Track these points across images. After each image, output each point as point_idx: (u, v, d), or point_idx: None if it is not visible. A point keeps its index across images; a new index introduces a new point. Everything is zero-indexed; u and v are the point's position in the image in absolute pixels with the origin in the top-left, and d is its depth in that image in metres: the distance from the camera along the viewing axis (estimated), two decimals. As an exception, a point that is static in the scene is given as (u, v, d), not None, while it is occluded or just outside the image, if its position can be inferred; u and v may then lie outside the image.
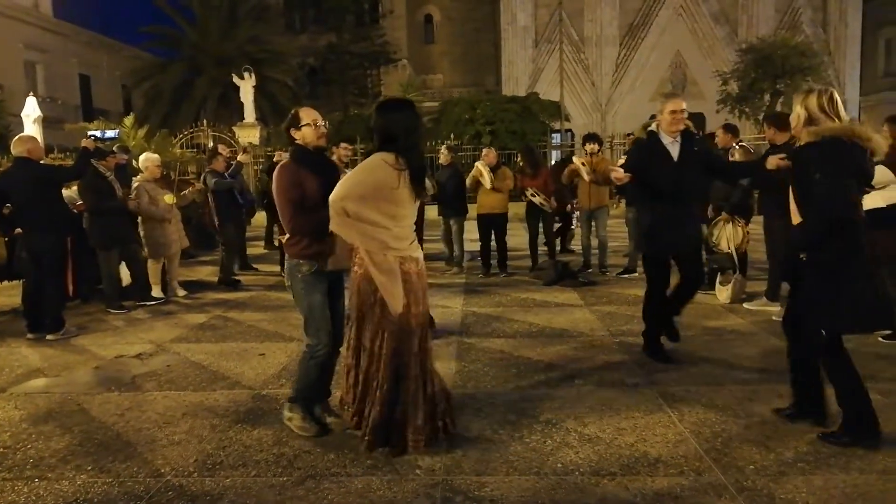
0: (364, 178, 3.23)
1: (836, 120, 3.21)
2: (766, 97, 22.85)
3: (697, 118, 26.61)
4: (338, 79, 31.90)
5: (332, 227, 3.27)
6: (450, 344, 5.39)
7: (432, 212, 9.29)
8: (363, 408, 3.40)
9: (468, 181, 8.60)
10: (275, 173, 3.53)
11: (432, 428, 3.41)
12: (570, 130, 24.89)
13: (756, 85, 22.77)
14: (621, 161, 8.15)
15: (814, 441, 3.36)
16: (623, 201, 10.03)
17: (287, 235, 3.56)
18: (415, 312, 3.35)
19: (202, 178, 8.71)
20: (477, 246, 9.01)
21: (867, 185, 3.25)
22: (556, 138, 23.35)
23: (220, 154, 8.76)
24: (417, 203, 3.38)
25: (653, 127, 4.79)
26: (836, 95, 3.30)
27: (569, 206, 9.50)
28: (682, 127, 4.58)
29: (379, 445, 3.35)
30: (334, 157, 7.28)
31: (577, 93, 29.93)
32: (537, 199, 8.36)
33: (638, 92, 29.76)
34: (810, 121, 3.24)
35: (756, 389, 4.13)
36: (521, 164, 8.68)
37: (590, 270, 8.51)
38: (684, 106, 4.58)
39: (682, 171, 4.55)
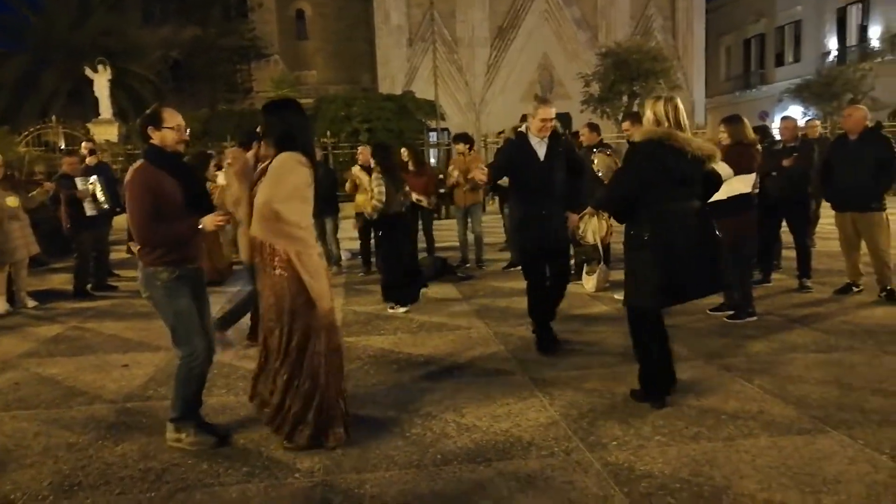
0: (286, 179, 3.20)
1: (671, 124, 3.63)
2: (625, 98, 24.41)
3: (564, 117, 27.83)
4: (205, 73, 30.37)
5: (258, 232, 3.25)
6: (328, 344, 5.33)
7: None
8: (298, 409, 3.32)
9: (347, 185, 8.54)
10: (128, 177, 3.31)
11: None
12: (446, 129, 25.27)
13: (615, 87, 24.26)
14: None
15: (668, 415, 3.66)
16: (496, 198, 10.38)
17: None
18: (334, 308, 3.43)
19: (53, 179, 8.02)
20: (357, 245, 8.96)
21: (683, 183, 3.61)
22: (433, 136, 23.65)
23: (75, 153, 8.10)
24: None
25: (522, 128, 5.00)
26: (679, 103, 3.71)
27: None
28: (547, 133, 4.83)
29: (318, 442, 3.34)
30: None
31: (452, 92, 30.42)
32: (413, 197, 8.44)
33: (509, 92, 30.72)
34: (657, 123, 3.65)
35: (619, 371, 4.41)
36: (405, 161, 8.72)
37: (467, 265, 8.72)
38: (553, 114, 4.81)
39: (547, 169, 4.80)
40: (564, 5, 31.05)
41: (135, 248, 3.47)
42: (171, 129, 3.34)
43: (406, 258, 6.67)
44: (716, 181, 3.85)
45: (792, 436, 3.38)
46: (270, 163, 3.32)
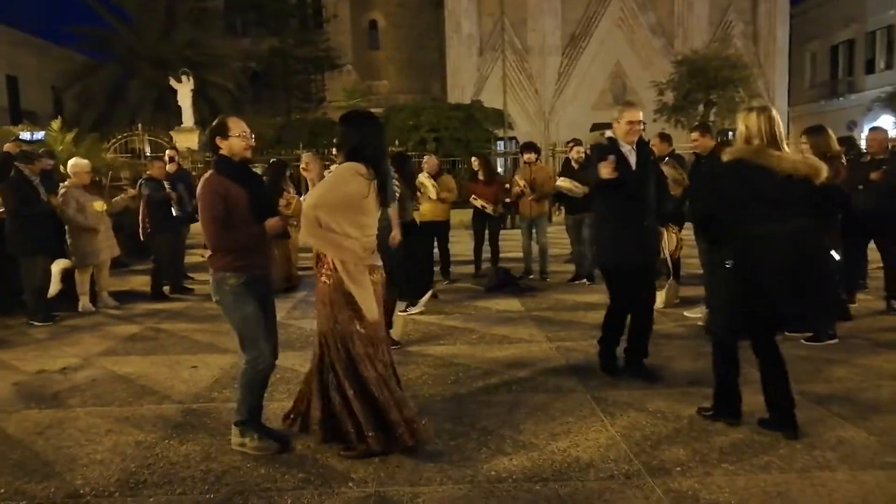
0: (337, 188, 3.27)
1: (764, 139, 3.38)
2: (701, 107, 23.65)
3: (636, 127, 27.27)
4: (281, 83, 31.39)
5: (304, 236, 3.32)
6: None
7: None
8: (356, 418, 3.32)
9: None
10: (199, 188, 3.43)
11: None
12: (514, 138, 25.17)
13: (690, 95, 23.55)
14: (563, 181, 8.20)
15: (737, 442, 3.48)
16: (563, 209, 10.21)
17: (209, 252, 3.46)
18: (382, 321, 3.45)
19: (137, 184, 8.42)
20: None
21: (775, 204, 3.36)
22: (500, 146, 23.61)
23: (158, 159, 8.51)
24: (379, 213, 3.45)
25: (610, 133, 4.57)
26: (775, 114, 3.45)
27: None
28: (637, 137, 4.48)
29: (382, 449, 3.31)
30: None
31: (522, 101, 30.24)
32: (478, 203, 8.47)
33: (580, 101, 30.28)
34: (748, 139, 3.42)
35: (685, 392, 4.23)
36: (475, 170, 8.79)
37: (531, 277, 8.62)
38: (641, 117, 4.48)
39: (642, 178, 4.45)
40: (639, 11, 30.39)
41: (205, 254, 3.58)
42: (238, 137, 3.43)
43: (420, 263, 6.88)
44: (839, 199, 3.61)
45: (874, 470, 3.15)
46: None
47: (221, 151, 3.44)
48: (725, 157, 3.50)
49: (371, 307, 3.32)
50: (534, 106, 30.74)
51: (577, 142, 8.94)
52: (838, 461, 3.24)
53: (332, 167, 3.58)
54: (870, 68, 29.52)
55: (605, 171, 4.23)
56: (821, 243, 3.50)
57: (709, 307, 3.68)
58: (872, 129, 6.86)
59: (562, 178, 8.26)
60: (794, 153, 3.50)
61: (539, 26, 30.65)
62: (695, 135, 6.11)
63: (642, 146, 4.54)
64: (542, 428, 3.73)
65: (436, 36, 34.54)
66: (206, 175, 3.44)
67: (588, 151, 7.85)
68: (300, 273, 8.84)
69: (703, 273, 5.92)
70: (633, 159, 4.45)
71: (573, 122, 28.23)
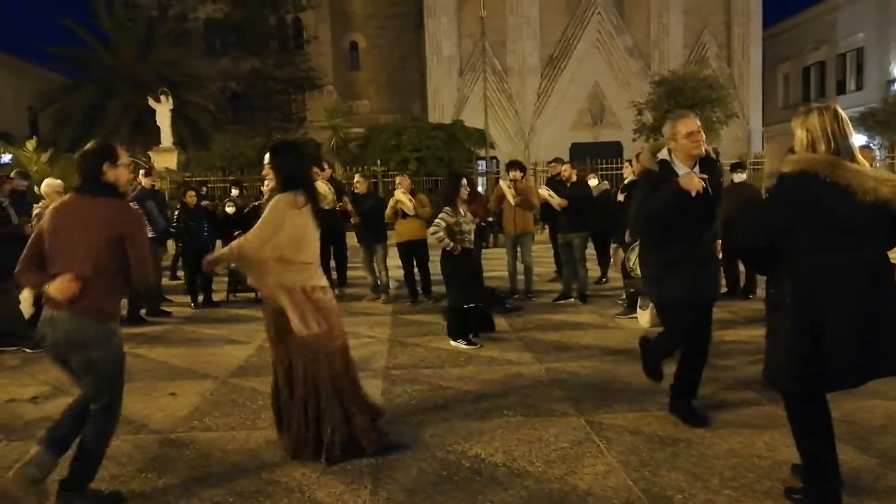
0: (277, 221, 3.42)
1: (834, 146, 2.75)
2: (679, 127, 23.97)
3: (615, 146, 27.58)
4: (262, 104, 31.32)
5: (253, 277, 3.63)
6: (375, 376, 5.20)
7: (353, 238, 9.11)
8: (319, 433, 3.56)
9: (387, 211, 8.50)
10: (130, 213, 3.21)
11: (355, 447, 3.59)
12: (495, 158, 25.25)
13: (669, 115, 23.86)
14: (542, 189, 8.35)
15: (738, 466, 3.39)
16: (547, 228, 10.18)
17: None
18: (336, 335, 3.58)
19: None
20: (402, 273, 8.87)
21: (847, 231, 2.73)
22: (482, 165, 23.65)
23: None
24: (318, 232, 3.61)
25: (664, 155, 3.86)
26: (841, 111, 2.83)
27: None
28: (702, 152, 3.78)
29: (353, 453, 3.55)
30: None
31: (501, 121, 30.44)
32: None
33: (559, 121, 30.60)
34: (813, 146, 2.79)
35: (680, 414, 4.14)
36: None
37: (516, 296, 8.53)
38: (699, 124, 3.76)
39: (701, 206, 3.72)
40: (616, 34, 30.86)
41: (61, 290, 2.94)
42: (125, 167, 3.12)
43: None
44: None
45: (877, 495, 3.07)
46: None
47: (106, 178, 3.05)
48: (787, 169, 2.83)
49: (304, 325, 3.39)
50: (514, 126, 30.95)
51: (560, 160, 8.99)
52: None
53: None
54: (840, 89, 30.20)
55: (693, 183, 3.53)
56: (893, 278, 2.82)
57: (767, 352, 2.97)
58: (861, 148, 6.89)
59: (542, 187, 8.33)
60: (869, 167, 2.80)
61: (518, 48, 30.98)
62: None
63: (708, 164, 3.81)
64: (536, 455, 3.61)
65: (416, 57, 34.75)
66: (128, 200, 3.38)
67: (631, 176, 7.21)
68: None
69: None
70: None
71: (552, 141, 28.47)
